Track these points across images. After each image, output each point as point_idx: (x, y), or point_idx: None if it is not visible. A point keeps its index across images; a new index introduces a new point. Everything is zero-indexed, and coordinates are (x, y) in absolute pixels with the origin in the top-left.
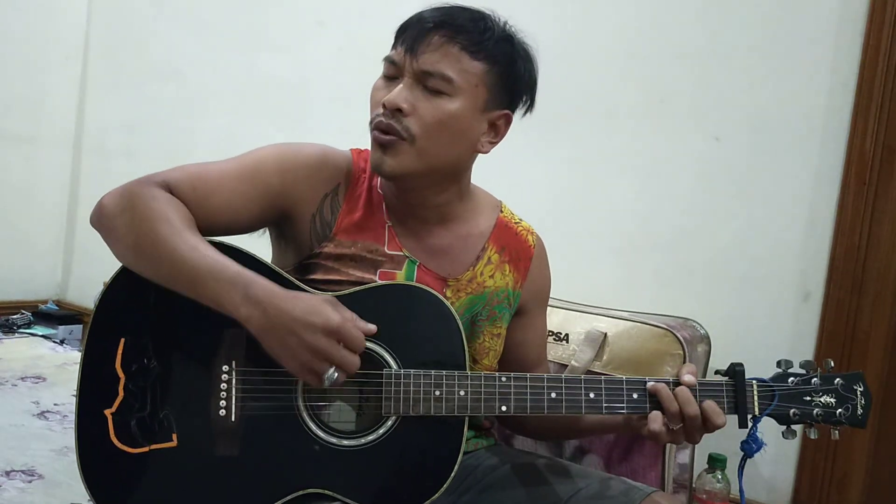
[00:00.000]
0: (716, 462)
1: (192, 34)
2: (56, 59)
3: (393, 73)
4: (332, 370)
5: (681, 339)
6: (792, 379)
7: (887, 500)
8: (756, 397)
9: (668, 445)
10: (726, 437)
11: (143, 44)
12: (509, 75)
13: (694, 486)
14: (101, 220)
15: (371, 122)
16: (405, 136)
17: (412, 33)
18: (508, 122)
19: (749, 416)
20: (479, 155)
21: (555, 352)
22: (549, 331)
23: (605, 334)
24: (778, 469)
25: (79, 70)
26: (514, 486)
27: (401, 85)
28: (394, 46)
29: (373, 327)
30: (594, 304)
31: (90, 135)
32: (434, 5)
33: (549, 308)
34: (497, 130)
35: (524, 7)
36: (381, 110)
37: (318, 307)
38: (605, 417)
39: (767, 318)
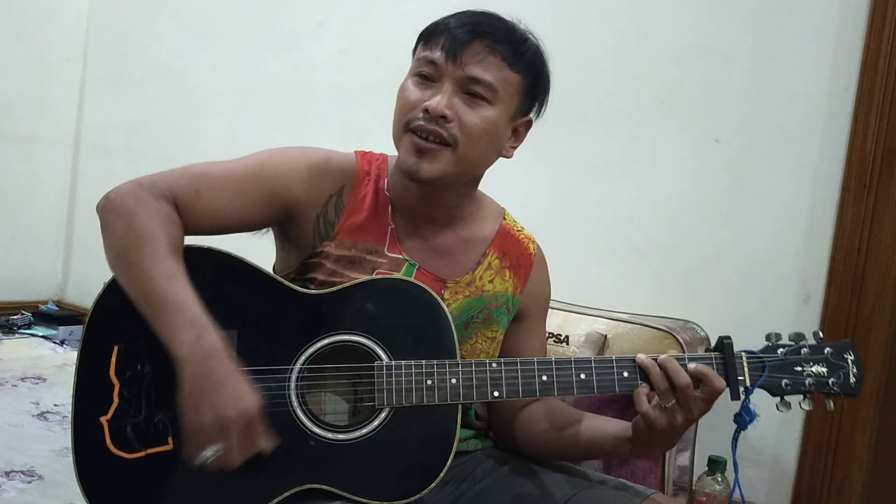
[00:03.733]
0: (716, 465)
1: (193, 35)
2: (57, 59)
3: (430, 74)
4: (215, 448)
5: (681, 341)
6: (781, 350)
7: (887, 503)
8: (746, 369)
9: None
10: (726, 439)
11: (143, 44)
12: (538, 85)
13: (694, 488)
14: (103, 213)
15: (406, 125)
16: (450, 142)
17: (452, 38)
18: (528, 126)
19: (741, 389)
20: None
21: (555, 353)
22: (549, 332)
23: (606, 336)
24: (778, 471)
25: (79, 71)
26: (514, 486)
27: (442, 92)
28: (427, 48)
29: (268, 448)
30: (594, 305)
31: (90, 135)
32: (458, 10)
33: (549, 309)
34: (518, 136)
35: (524, 9)
36: (419, 114)
37: (247, 393)
38: (602, 434)
39: (768, 320)
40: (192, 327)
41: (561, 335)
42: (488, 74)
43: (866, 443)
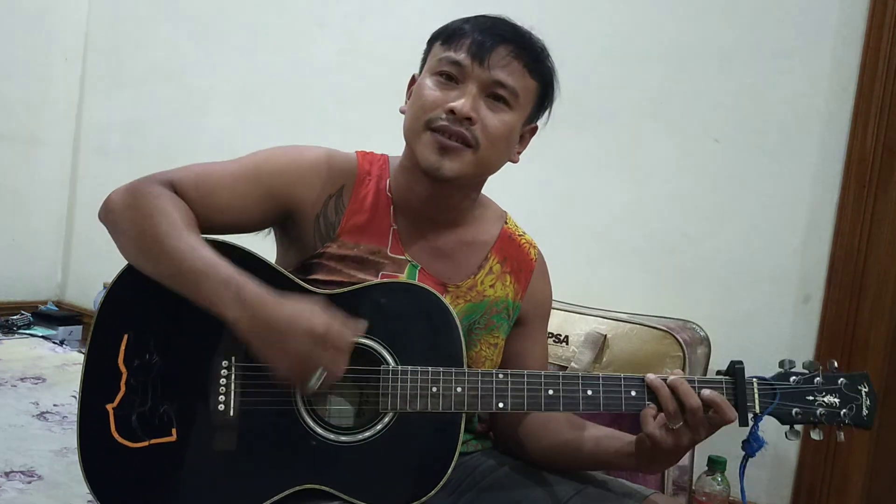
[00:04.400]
0: (715, 464)
1: (193, 35)
2: (56, 59)
3: (454, 75)
4: (317, 374)
5: (681, 340)
6: (794, 378)
7: (887, 503)
8: (757, 395)
9: None
10: (726, 439)
11: (143, 44)
12: (549, 95)
13: (693, 488)
14: (108, 215)
15: (427, 123)
16: (472, 144)
17: (477, 41)
18: (533, 133)
19: (750, 416)
20: None
21: (555, 354)
22: (549, 332)
23: (605, 336)
24: (777, 471)
25: (79, 70)
26: (514, 487)
27: (467, 94)
28: (450, 48)
29: (362, 325)
30: (594, 305)
31: (90, 135)
32: (459, 13)
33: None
34: (524, 141)
35: (523, 9)
36: (442, 114)
37: (302, 313)
38: (606, 448)
39: (767, 320)
40: (228, 288)
41: (561, 335)
42: (512, 79)
43: (866, 443)
